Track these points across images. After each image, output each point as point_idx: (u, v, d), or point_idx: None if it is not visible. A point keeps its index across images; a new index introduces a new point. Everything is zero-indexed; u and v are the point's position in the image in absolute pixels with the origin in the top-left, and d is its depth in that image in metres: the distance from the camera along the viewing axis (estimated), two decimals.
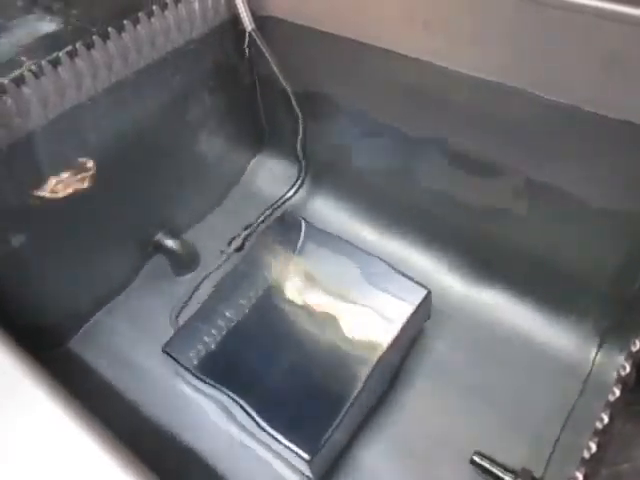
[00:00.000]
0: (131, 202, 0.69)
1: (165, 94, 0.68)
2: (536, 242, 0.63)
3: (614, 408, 0.32)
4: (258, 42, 0.69)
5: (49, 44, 0.56)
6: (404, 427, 0.59)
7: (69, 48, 0.55)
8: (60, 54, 0.55)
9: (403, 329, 0.59)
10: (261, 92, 0.80)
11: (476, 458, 0.54)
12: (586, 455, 0.31)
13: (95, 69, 0.58)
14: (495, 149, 0.60)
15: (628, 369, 0.33)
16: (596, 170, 0.54)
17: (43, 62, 0.53)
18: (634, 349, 0.34)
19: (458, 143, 0.63)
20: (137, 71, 0.62)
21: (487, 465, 0.52)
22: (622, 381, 0.33)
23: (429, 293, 0.62)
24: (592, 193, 0.56)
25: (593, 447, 0.31)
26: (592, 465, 0.31)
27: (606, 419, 0.31)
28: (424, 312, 0.64)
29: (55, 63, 0.54)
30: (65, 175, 0.58)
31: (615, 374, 0.33)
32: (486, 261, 0.69)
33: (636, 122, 0.48)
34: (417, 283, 0.62)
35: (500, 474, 0.51)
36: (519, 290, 0.67)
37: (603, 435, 0.31)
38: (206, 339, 0.60)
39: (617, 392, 0.32)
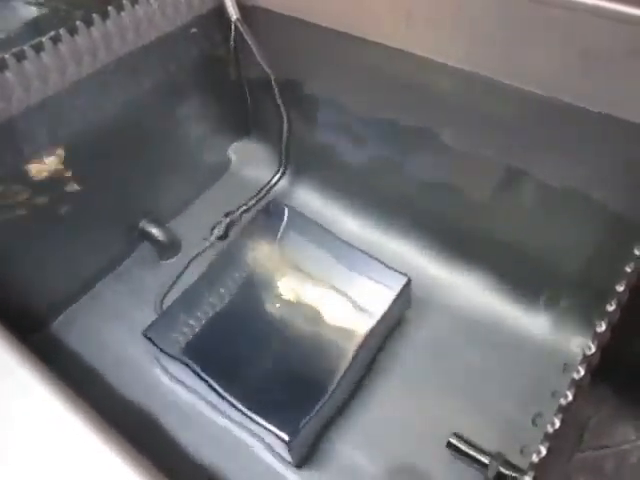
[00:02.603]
0: (115, 189, 0.69)
1: (149, 81, 0.68)
2: (513, 230, 0.64)
3: (578, 387, 0.33)
4: (242, 32, 0.70)
5: (32, 29, 0.56)
6: (380, 414, 0.60)
7: (52, 34, 0.55)
8: (43, 39, 0.55)
9: (383, 317, 0.60)
10: (247, 82, 0.80)
11: (453, 440, 0.55)
12: (550, 430, 0.32)
13: (79, 55, 0.58)
14: (478, 140, 0.61)
15: (593, 349, 0.34)
16: (573, 159, 0.55)
17: (25, 47, 0.53)
18: (599, 330, 0.35)
19: (441, 134, 0.64)
20: (121, 58, 0.62)
21: (464, 447, 0.54)
22: (587, 361, 0.34)
23: (409, 281, 0.63)
24: (566, 183, 0.57)
25: (557, 423, 0.32)
26: (558, 442, 0.32)
27: (570, 396, 0.33)
28: (404, 300, 0.64)
29: (38, 49, 0.54)
30: (41, 160, 0.59)
31: (581, 353, 0.34)
32: (465, 250, 0.70)
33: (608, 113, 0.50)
34: (397, 271, 0.63)
35: (477, 455, 0.52)
36: (497, 277, 0.68)
37: (567, 412, 0.32)
38: (186, 325, 0.61)
39: (582, 371, 0.34)
